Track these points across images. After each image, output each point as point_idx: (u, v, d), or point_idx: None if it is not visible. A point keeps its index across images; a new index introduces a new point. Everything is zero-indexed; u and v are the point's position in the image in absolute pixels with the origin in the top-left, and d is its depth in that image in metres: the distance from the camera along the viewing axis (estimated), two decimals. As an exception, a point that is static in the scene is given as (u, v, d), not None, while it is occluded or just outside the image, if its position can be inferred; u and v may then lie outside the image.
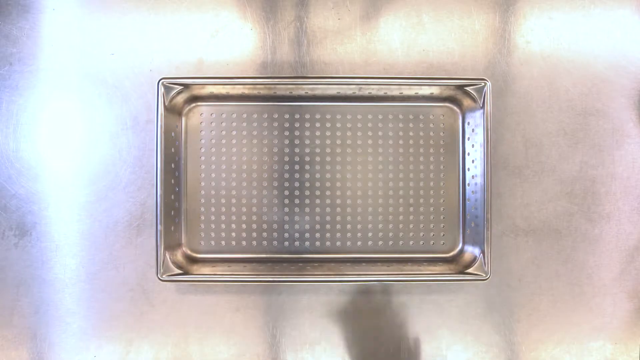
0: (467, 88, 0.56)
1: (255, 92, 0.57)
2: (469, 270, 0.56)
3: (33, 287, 0.60)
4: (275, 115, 0.59)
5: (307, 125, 0.60)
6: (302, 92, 0.58)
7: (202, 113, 0.59)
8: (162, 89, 0.55)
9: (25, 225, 0.60)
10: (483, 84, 0.55)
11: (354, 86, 0.56)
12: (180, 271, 0.56)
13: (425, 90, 0.57)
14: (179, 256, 0.58)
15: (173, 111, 0.57)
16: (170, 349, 0.59)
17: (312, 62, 0.60)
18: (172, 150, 0.57)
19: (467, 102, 0.57)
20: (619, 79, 0.60)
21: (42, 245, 0.60)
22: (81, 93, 0.60)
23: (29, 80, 0.60)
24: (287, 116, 0.59)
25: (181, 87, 0.55)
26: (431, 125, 0.60)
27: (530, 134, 0.60)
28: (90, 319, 0.60)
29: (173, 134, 0.57)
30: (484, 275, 0.55)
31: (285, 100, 0.59)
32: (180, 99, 0.57)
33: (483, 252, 0.56)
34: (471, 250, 0.58)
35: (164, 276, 0.55)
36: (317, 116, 0.59)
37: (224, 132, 0.59)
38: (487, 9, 0.60)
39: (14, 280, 0.60)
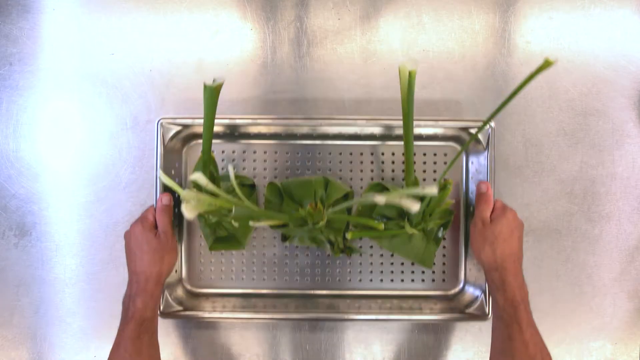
0: (471, 130, 0.56)
1: (256, 130, 0.57)
2: (469, 310, 0.56)
3: (33, 287, 0.60)
4: (276, 152, 0.59)
5: (308, 163, 0.59)
6: (303, 131, 0.57)
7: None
8: (161, 130, 0.54)
9: (25, 225, 0.60)
10: (488, 127, 0.54)
11: (356, 127, 0.56)
12: (180, 307, 0.56)
13: (429, 130, 0.57)
14: (179, 292, 0.57)
15: (173, 150, 0.56)
16: (170, 349, 0.59)
17: (312, 62, 0.60)
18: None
19: (472, 150, 0.57)
20: (619, 79, 0.60)
21: (42, 245, 0.60)
22: (81, 93, 0.60)
23: (29, 80, 0.60)
24: (288, 153, 0.59)
25: (180, 127, 0.55)
26: (434, 162, 0.59)
27: (530, 134, 0.60)
28: (90, 319, 0.60)
29: (173, 171, 0.56)
30: (485, 316, 0.55)
31: (287, 138, 0.58)
32: (180, 137, 0.56)
33: (484, 292, 0.55)
34: (472, 291, 0.58)
35: (164, 311, 0.55)
36: (319, 153, 0.59)
37: (224, 169, 0.58)
38: (487, 9, 0.60)
39: (14, 280, 0.60)
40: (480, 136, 0.55)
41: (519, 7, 0.60)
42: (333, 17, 0.60)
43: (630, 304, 0.60)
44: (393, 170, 0.59)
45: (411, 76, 0.43)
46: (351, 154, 0.59)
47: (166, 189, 0.54)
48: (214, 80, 0.44)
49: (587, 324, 0.60)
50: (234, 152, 0.58)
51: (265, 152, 0.59)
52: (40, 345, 0.60)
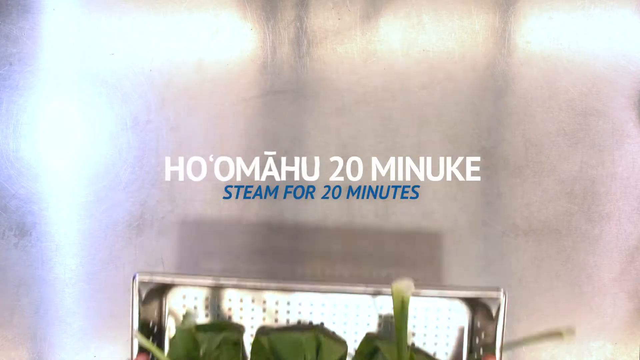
0: (481, 300, 0.51)
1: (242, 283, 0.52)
2: None
3: (33, 287, 0.60)
4: (265, 302, 0.54)
5: (299, 314, 0.54)
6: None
7: (184, 295, 0.54)
8: (136, 285, 0.49)
9: (25, 225, 0.60)
10: (497, 295, 0.49)
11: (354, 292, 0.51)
12: None
13: (433, 292, 0.52)
14: None
15: (151, 301, 0.52)
16: (170, 349, 0.60)
17: (312, 62, 0.60)
18: (150, 338, 0.51)
19: (480, 308, 0.52)
20: (619, 79, 0.60)
21: (42, 245, 0.60)
22: (81, 93, 0.60)
23: (29, 80, 0.60)
24: (278, 303, 0.54)
25: (158, 284, 0.51)
26: (437, 318, 0.54)
27: (530, 134, 0.60)
28: (90, 319, 0.60)
29: (151, 323, 0.52)
30: None
31: (277, 289, 0.54)
32: (158, 290, 0.52)
33: None
34: None
35: None
36: (311, 304, 0.55)
37: (207, 316, 0.55)
38: (487, 9, 0.60)
39: (14, 280, 0.60)
40: (488, 303, 0.50)
41: (519, 7, 0.60)
42: (333, 17, 0.60)
43: (630, 304, 0.60)
44: (391, 324, 0.55)
45: (404, 302, 0.41)
46: (347, 306, 0.55)
47: (142, 348, 0.49)
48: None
49: (587, 324, 0.60)
50: (218, 299, 0.55)
51: (253, 301, 0.54)
52: (40, 345, 0.60)
